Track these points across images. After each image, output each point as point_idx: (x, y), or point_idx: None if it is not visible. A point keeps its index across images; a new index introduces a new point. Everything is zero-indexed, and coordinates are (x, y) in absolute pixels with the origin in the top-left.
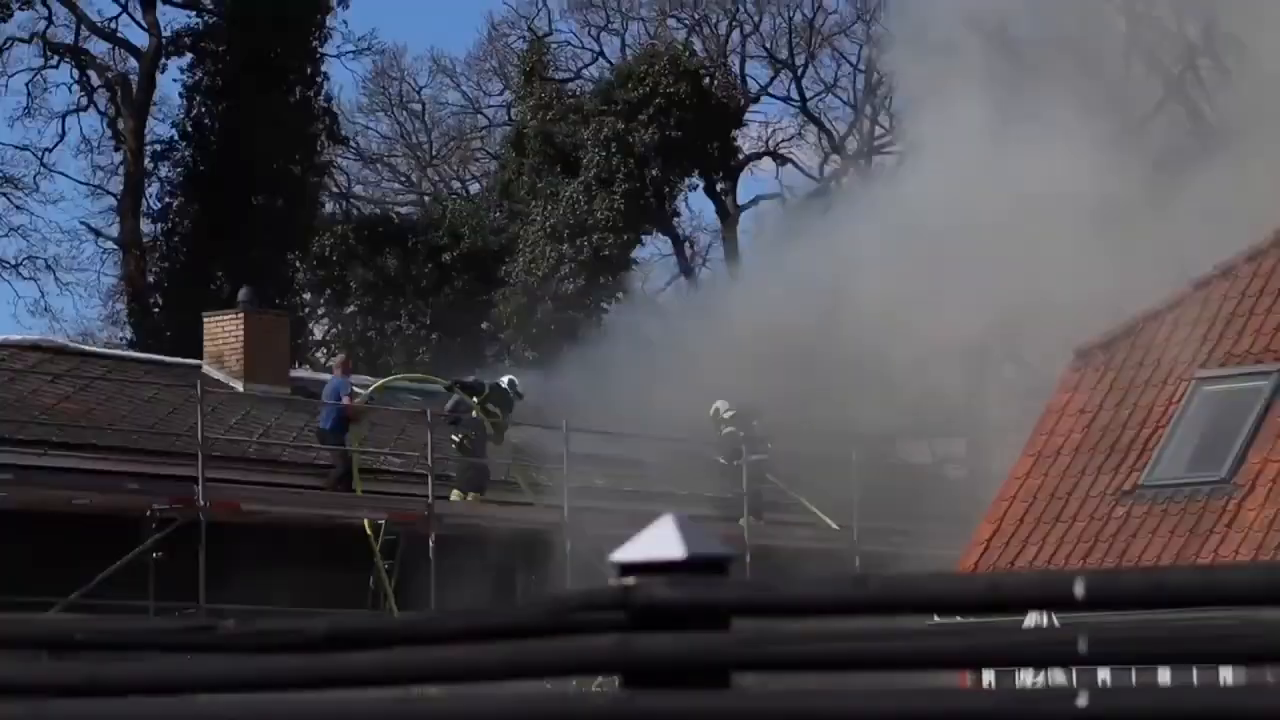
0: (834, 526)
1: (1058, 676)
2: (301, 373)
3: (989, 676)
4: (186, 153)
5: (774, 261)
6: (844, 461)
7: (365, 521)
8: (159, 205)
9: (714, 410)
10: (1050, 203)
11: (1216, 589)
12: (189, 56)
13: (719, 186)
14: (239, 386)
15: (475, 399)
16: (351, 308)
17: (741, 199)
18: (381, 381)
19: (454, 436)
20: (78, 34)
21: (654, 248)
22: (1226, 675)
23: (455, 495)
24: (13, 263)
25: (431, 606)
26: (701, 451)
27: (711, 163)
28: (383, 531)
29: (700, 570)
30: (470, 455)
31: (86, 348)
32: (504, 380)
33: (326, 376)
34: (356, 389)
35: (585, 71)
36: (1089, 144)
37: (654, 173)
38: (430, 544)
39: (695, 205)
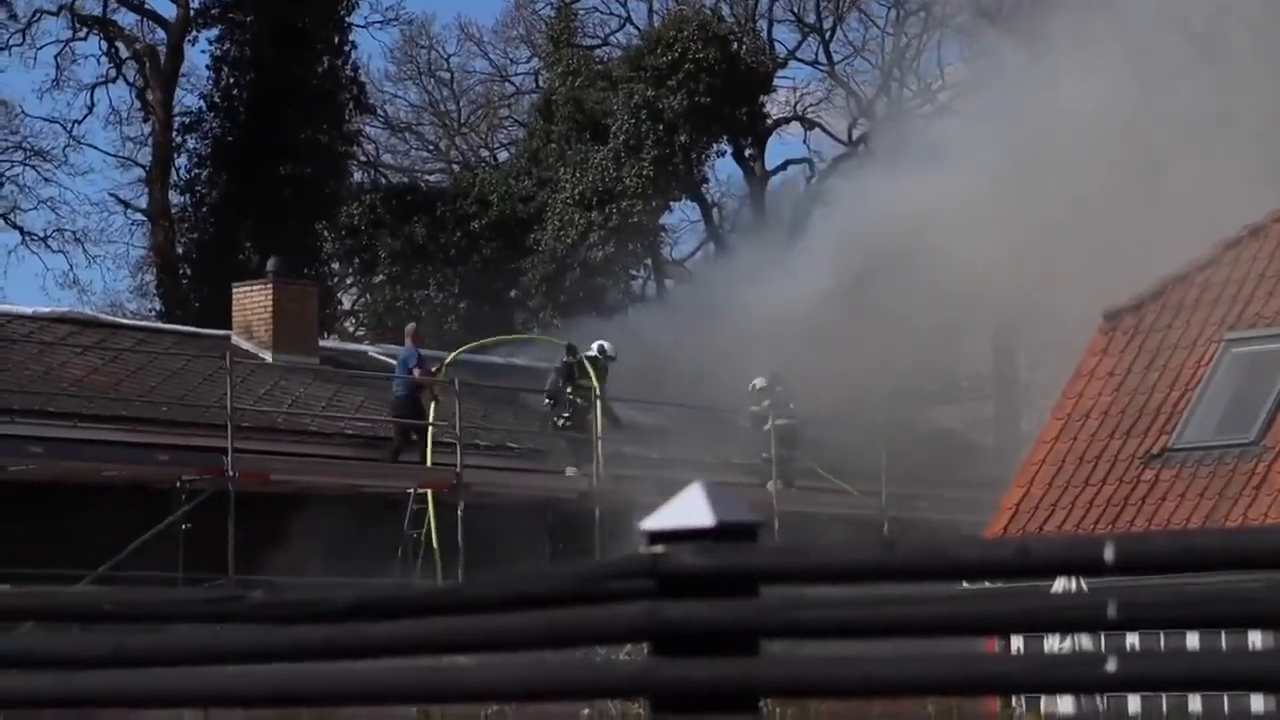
0: (853, 492)
1: (1086, 641)
2: (330, 342)
3: (1017, 642)
4: (215, 124)
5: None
6: (872, 427)
7: (413, 490)
8: (187, 176)
9: (752, 386)
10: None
11: (1244, 552)
12: (217, 28)
13: (747, 152)
14: (268, 357)
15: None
16: (380, 277)
17: (770, 164)
18: (453, 355)
19: (556, 420)
20: (105, 6)
21: (682, 214)
22: (1255, 639)
23: (570, 471)
24: (42, 235)
25: (460, 576)
26: (731, 419)
27: (740, 128)
28: (428, 499)
29: (729, 538)
30: (575, 430)
31: (115, 320)
32: (593, 347)
33: (355, 347)
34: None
35: (613, 38)
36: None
37: (682, 139)
38: (459, 513)
39: (723, 171)
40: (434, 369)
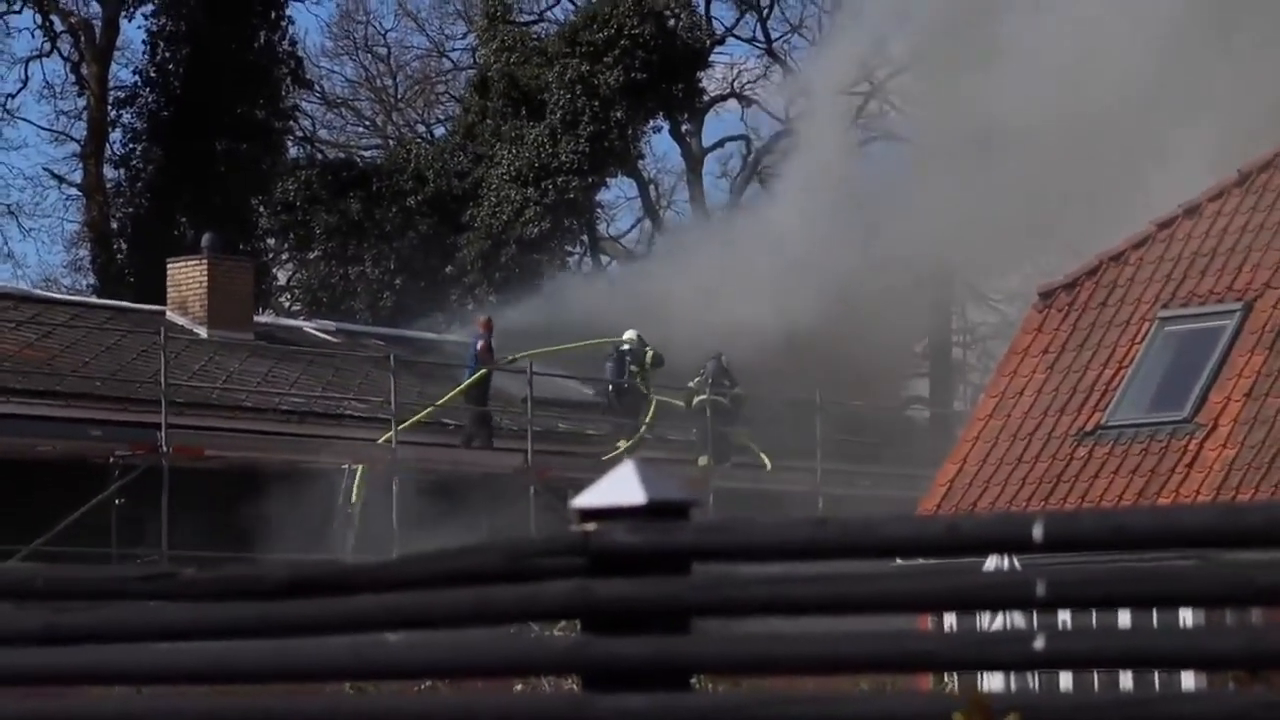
0: (767, 466)
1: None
2: (265, 318)
3: (949, 619)
4: (150, 98)
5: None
6: (808, 404)
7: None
8: (122, 151)
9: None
10: None
11: (1175, 531)
12: (152, 2)
13: (684, 128)
14: (202, 332)
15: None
16: (315, 252)
17: (707, 141)
18: (525, 353)
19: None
20: None
21: (619, 190)
22: (1186, 617)
23: (702, 460)
24: None
25: (394, 553)
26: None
27: (676, 104)
28: (360, 477)
29: (661, 515)
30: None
31: (49, 295)
32: (631, 336)
33: (290, 322)
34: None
35: (549, 14)
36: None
37: (618, 115)
38: (393, 488)
39: (660, 147)
40: (497, 352)
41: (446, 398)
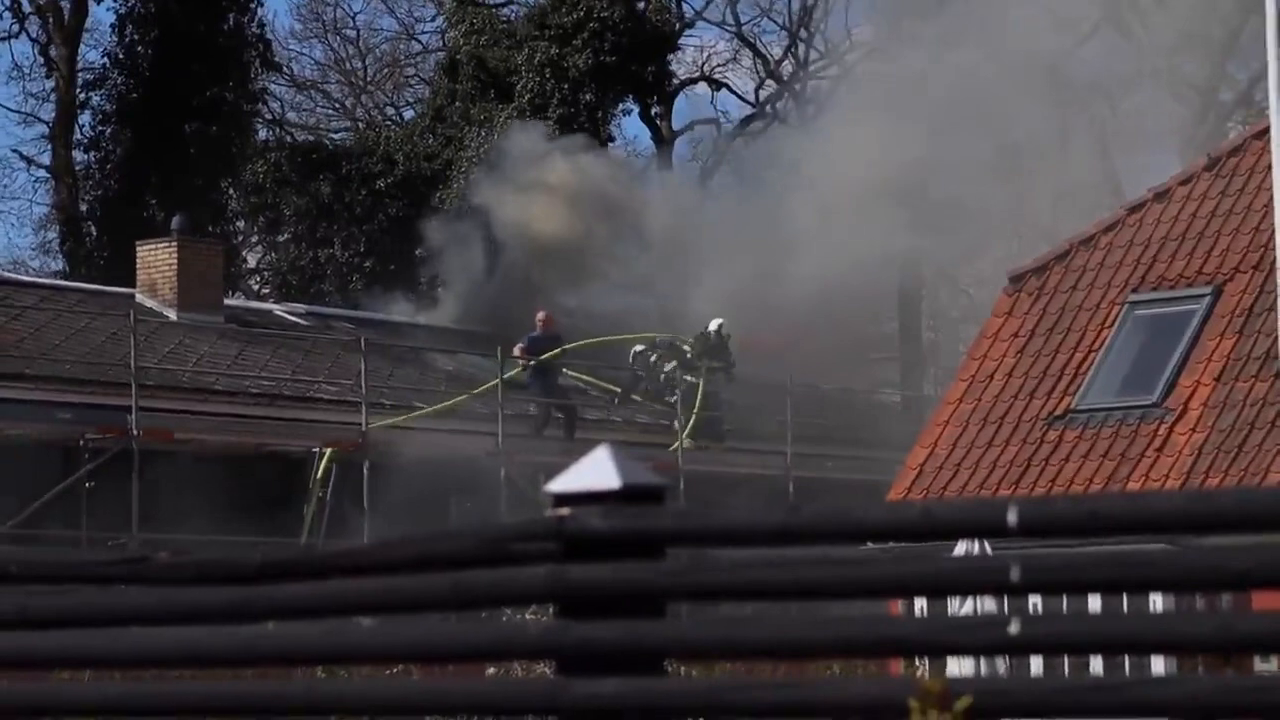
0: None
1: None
2: (235, 301)
3: (921, 604)
4: (119, 80)
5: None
6: (778, 387)
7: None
8: (91, 133)
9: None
10: None
11: (1148, 516)
12: None
13: (654, 111)
14: (172, 315)
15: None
16: (285, 235)
17: (677, 124)
18: (571, 345)
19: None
20: None
21: None
22: (1156, 601)
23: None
24: None
25: (365, 537)
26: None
27: (646, 87)
28: (329, 460)
29: (635, 500)
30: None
31: (18, 277)
32: (712, 326)
33: (260, 305)
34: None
35: None
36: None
37: (588, 97)
38: (365, 472)
39: (630, 130)
40: (521, 354)
41: (477, 391)
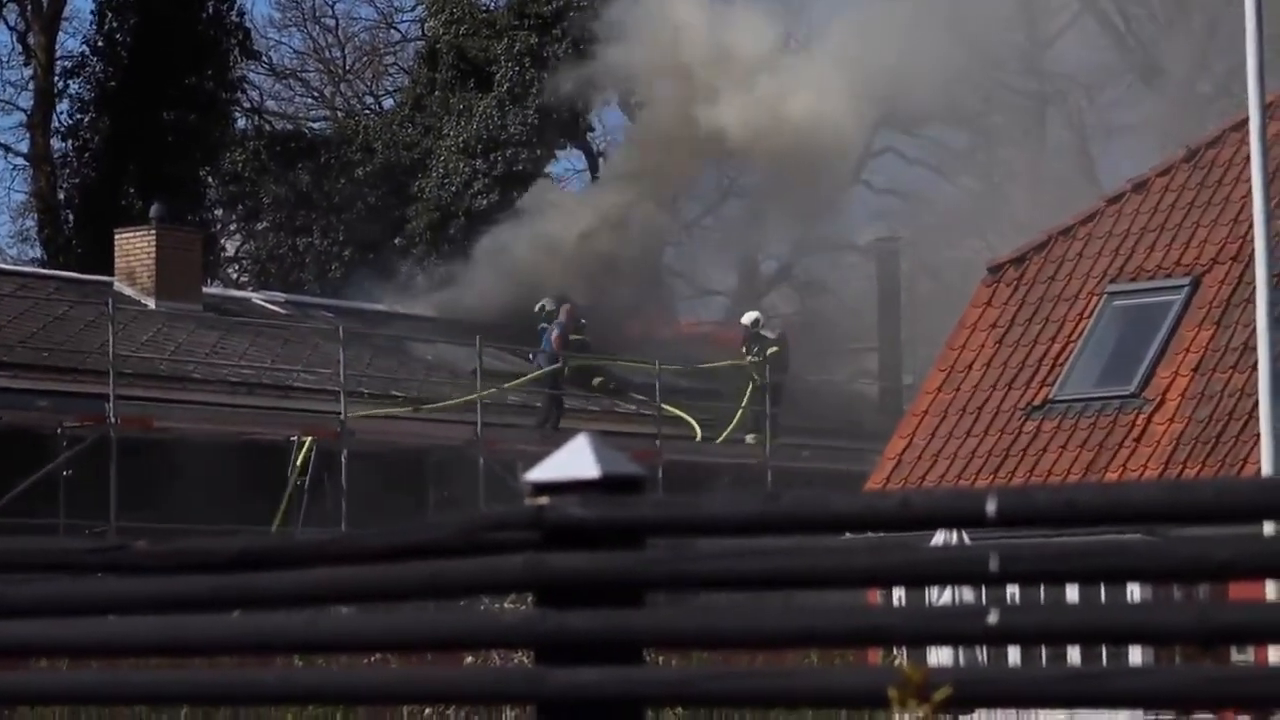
0: (696, 435)
1: (967, 594)
2: (214, 289)
3: (899, 593)
4: (98, 68)
5: None
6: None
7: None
8: (70, 121)
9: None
10: None
11: (1127, 506)
12: None
13: (633, 100)
14: (150, 303)
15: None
16: (264, 223)
17: None
18: (607, 358)
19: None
20: None
21: (567, 163)
22: (1134, 592)
23: (750, 438)
24: None
25: (343, 525)
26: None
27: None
28: (309, 448)
29: (615, 489)
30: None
31: None
32: (746, 320)
33: (238, 293)
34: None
35: None
36: None
37: (568, 87)
38: (343, 460)
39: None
40: (557, 342)
41: (517, 382)
